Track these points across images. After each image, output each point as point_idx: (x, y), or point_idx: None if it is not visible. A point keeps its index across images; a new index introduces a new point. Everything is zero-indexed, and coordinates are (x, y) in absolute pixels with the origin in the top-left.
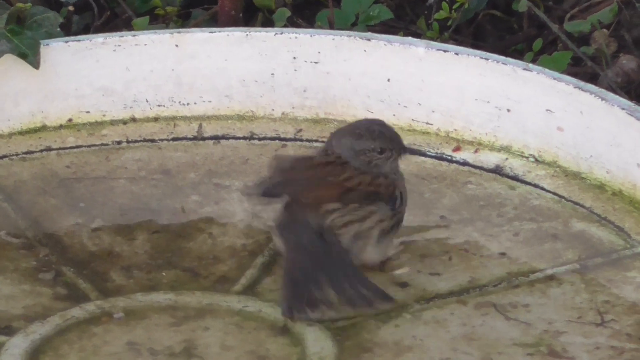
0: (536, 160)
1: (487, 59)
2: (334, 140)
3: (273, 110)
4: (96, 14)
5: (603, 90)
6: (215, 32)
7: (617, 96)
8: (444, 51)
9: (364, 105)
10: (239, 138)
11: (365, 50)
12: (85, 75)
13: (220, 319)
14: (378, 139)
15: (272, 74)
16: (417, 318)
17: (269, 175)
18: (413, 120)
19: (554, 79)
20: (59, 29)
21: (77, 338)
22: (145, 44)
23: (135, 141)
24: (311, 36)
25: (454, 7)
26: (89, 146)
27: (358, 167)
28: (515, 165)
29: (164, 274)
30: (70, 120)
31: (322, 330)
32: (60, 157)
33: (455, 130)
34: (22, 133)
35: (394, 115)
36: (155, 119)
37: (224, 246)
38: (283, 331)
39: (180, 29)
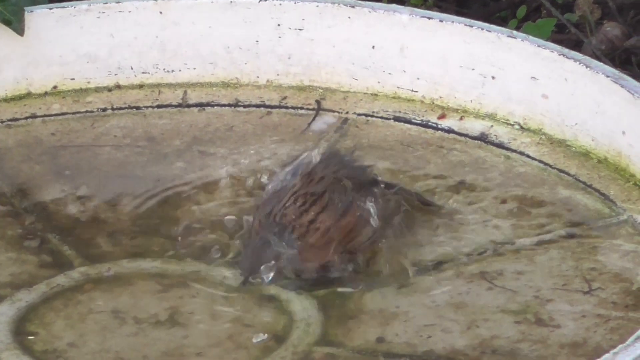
0: (521, 127)
1: (471, 26)
2: None
3: (258, 77)
4: None
5: (587, 57)
6: None
7: (601, 63)
8: (428, 18)
9: (348, 72)
10: (224, 105)
11: (349, 17)
12: (70, 42)
13: (207, 287)
14: None
15: (257, 40)
16: (402, 287)
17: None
18: (398, 87)
19: (538, 46)
20: None
21: (63, 305)
22: (130, 11)
23: (120, 108)
24: (295, 3)
25: None
26: (73, 113)
27: None
28: (501, 132)
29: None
30: (55, 87)
31: (309, 299)
32: (45, 124)
33: (440, 97)
34: (6, 100)
35: (378, 82)
36: (140, 86)
37: (210, 214)
38: (270, 299)
39: None
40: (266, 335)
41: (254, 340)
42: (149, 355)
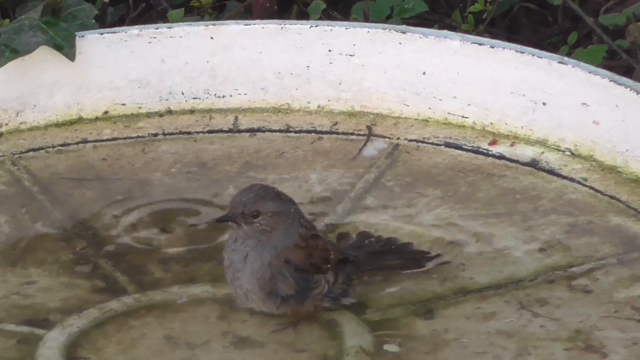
0: (572, 154)
1: (522, 52)
2: None
3: (309, 102)
4: (131, 6)
5: (638, 83)
6: (250, 24)
7: None
8: (479, 44)
9: (399, 98)
10: (275, 131)
11: (400, 43)
12: (121, 67)
13: (258, 312)
14: None
15: (308, 66)
16: (454, 312)
17: None
18: (449, 113)
19: (589, 72)
20: (94, 20)
21: (115, 331)
22: (181, 36)
23: (171, 133)
24: (346, 29)
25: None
26: (125, 138)
27: None
28: (551, 159)
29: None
30: (106, 112)
31: (360, 324)
32: (96, 150)
33: (491, 123)
34: (57, 125)
35: (429, 108)
36: (191, 112)
37: None
38: (321, 324)
39: (215, 21)
40: None
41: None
42: None
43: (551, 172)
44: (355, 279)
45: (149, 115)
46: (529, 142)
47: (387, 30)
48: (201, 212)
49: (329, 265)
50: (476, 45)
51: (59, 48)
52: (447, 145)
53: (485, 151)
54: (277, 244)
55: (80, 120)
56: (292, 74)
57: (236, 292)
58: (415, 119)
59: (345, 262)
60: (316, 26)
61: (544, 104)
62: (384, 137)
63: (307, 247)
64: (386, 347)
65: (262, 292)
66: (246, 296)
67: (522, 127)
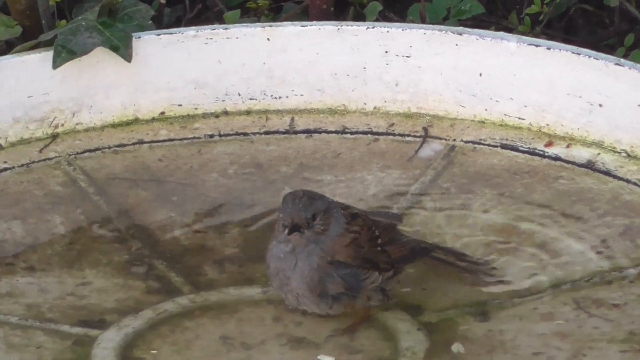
0: (628, 155)
1: (578, 54)
2: None
3: (365, 104)
4: (188, 7)
5: None
6: (306, 25)
7: None
8: (536, 46)
9: (456, 99)
10: (331, 132)
11: (457, 45)
12: (177, 68)
13: (312, 313)
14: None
15: (364, 67)
16: (509, 314)
17: None
18: (505, 115)
19: None
20: (150, 21)
21: (170, 332)
22: (237, 37)
23: (228, 135)
24: (403, 30)
25: (545, 1)
26: (181, 139)
27: None
28: (607, 160)
29: None
30: (162, 113)
31: (415, 325)
32: (152, 150)
33: (547, 125)
34: (114, 126)
35: (485, 109)
36: (247, 113)
37: None
38: (376, 325)
39: (272, 23)
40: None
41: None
42: None
43: (607, 173)
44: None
45: (205, 116)
46: (585, 143)
47: (443, 31)
48: (257, 214)
49: (385, 257)
50: (533, 46)
51: (115, 49)
52: (503, 146)
53: (542, 152)
54: (325, 244)
55: (136, 121)
56: (348, 75)
57: (287, 296)
58: (472, 121)
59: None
60: (373, 28)
61: (600, 105)
62: (440, 138)
63: (351, 237)
64: (453, 347)
65: (313, 294)
66: (297, 300)
67: (578, 128)
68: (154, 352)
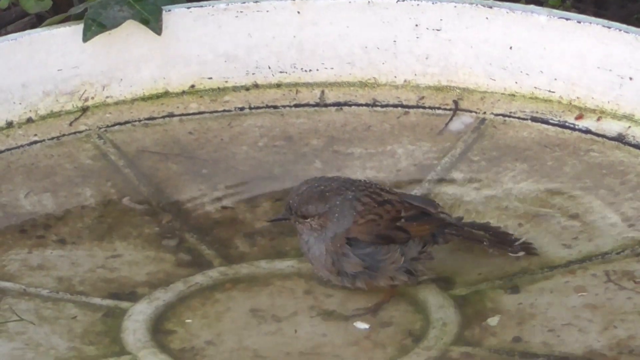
0: None
1: (609, 27)
2: None
3: (395, 77)
4: None
5: None
6: None
7: None
8: (566, 19)
9: (486, 72)
10: (361, 105)
11: (487, 18)
12: (208, 41)
13: (343, 286)
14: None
15: (394, 41)
16: (540, 286)
17: None
18: (535, 88)
19: None
20: None
21: (200, 304)
22: (268, 11)
23: (258, 107)
24: (433, 4)
25: None
26: (211, 112)
27: None
28: (638, 133)
29: None
30: (192, 86)
31: (445, 297)
32: (182, 124)
33: (578, 98)
34: (144, 99)
35: (516, 82)
36: (278, 86)
37: None
38: (406, 298)
39: None
40: (368, 325)
41: (358, 327)
42: (288, 353)
43: (638, 146)
44: (442, 243)
45: (235, 89)
46: (615, 116)
47: (474, 5)
48: (287, 187)
49: (408, 234)
50: (563, 20)
51: (145, 22)
52: (534, 119)
53: (572, 125)
54: (331, 233)
55: (166, 94)
56: (379, 48)
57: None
58: (502, 94)
59: (444, 227)
60: (403, 1)
61: (630, 78)
62: (471, 111)
63: (369, 221)
64: (490, 320)
65: (332, 274)
66: (322, 276)
67: (608, 101)
68: (189, 321)
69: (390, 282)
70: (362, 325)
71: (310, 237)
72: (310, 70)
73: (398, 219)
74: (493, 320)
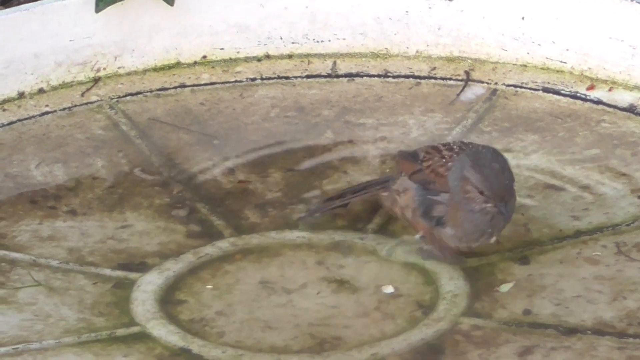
0: None
1: None
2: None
3: (407, 48)
4: None
5: None
6: None
7: None
8: None
9: (498, 43)
10: (373, 76)
11: None
12: (220, 11)
13: (355, 257)
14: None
15: (407, 11)
16: (550, 257)
17: None
18: (547, 58)
19: None
20: None
21: (211, 275)
22: None
23: (269, 78)
24: None
25: None
26: (223, 83)
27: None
28: None
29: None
30: (204, 57)
31: (456, 269)
32: (194, 94)
33: (589, 68)
34: (156, 69)
35: (527, 53)
36: (289, 56)
37: (358, 184)
38: (417, 270)
39: None
40: (394, 289)
41: (383, 291)
42: (297, 325)
43: None
44: None
45: (247, 59)
46: (627, 87)
47: None
48: (299, 157)
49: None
50: None
51: None
52: (545, 90)
53: (583, 96)
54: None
55: (178, 64)
56: (391, 19)
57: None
58: (514, 64)
59: None
60: None
61: None
62: (482, 82)
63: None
64: (502, 287)
65: (420, 217)
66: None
67: (620, 72)
68: (209, 286)
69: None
70: (388, 289)
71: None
72: (322, 41)
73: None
74: (506, 287)
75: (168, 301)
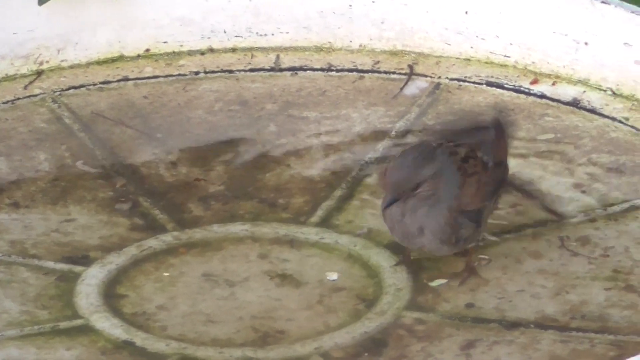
0: (614, 93)
1: None
2: None
3: (351, 41)
4: None
5: None
6: None
7: None
8: None
9: (441, 37)
10: (317, 69)
11: None
12: (163, 5)
13: (297, 250)
14: None
15: (350, 5)
16: (495, 251)
17: None
18: (491, 52)
19: (632, 12)
20: None
21: (154, 269)
22: None
23: (213, 72)
24: None
25: None
26: (166, 76)
27: None
28: (593, 98)
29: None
30: (147, 50)
31: (400, 263)
32: (137, 87)
33: (533, 63)
34: (99, 63)
35: (471, 47)
36: (233, 50)
37: (301, 178)
38: (360, 263)
39: None
40: (337, 275)
41: (327, 278)
42: (240, 318)
43: (592, 111)
44: None
45: (190, 53)
46: (570, 81)
47: None
48: (242, 151)
49: (501, 174)
50: None
51: None
52: (489, 84)
53: (527, 90)
54: (444, 200)
55: (121, 58)
56: (334, 12)
57: (410, 247)
58: (457, 58)
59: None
60: None
61: (586, 43)
62: (426, 76)
63: (474, 181)
64: (433, 283)
65: (447, 245)
66: (421, 249)
67: (564, 66)
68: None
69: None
70: (332, 276)
71: (425, 211)
72: (265, 34)
73: (486, 164)
74: (437, 282)
75: (112, 294)
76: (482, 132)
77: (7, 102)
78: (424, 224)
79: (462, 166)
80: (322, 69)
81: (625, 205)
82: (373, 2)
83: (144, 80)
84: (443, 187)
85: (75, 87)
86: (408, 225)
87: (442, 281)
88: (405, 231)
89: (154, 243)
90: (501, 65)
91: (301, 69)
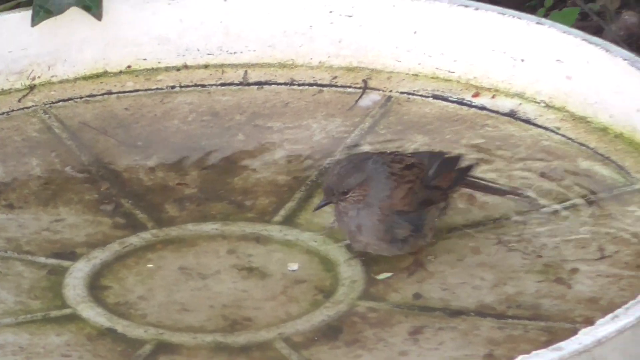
0: (547, 105)
1: (503, 14)
2: None
3: (311, 59)
4: None
5: (607, 42)
6: None
7: (620, 48)
8: (465, 6)
9: (392, 55)
10: (281, 84)
11: (394, 6)
12: (143, 25)
13: (263, 246)
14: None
15: (311, 26)
16: (439, 247)
17: None
18: (437, 68)
19: (564, 32)
20: None
21: (135, 263)
22: None
23: (187, 86)
24: None
25: None
26: (145, 90)
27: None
28: (528, 110)
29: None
30: (129, 66)
31: (354, 258)
32: (119, 100)
33: (475, 77)
34: (85, 78)
35: (419, 64)
36: (206, 66)
37: (266, 181)
38: (319, 258)
39: None
40: (297, 265)
41: (289, 269)
42: (212, 307)
43: (528, 121)
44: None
45: (167, 69)
46: (508, 94)
47: None
48: (213, 157)
49: (445, 190)
50: (462, 7)
51: (87, 9)
52: (435, 97)
53: (469, 102)
54: (375, 202)
55: (105, 73)
56: (297, 32)
57: (356, 246)
58: (407, 74)
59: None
60: None
61: (522, 60)
62: (378, 89)
63: (406, 187)
64: (380, 276)
65: (384, 243)
66: (365, 247)
67: (502, 81)
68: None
69: (430, 235)
70: (293, 266)
71: (358, 212)
72: (235, 52)
73: (429, 179)
74: (383, 276)
75: (96, 286)
76: (446, 161)
77: (3, 113)
78: (360, 222)
79: (403, 173)
80: (285, 84)
81: (556, 207)
82: (331, 23)
83: (126, 94)
84: (372, 193)
85: (64, 100)
86: (348, 224)
87: (388, 274)
88: (348, 230)
89: (134, 240)
90: (446, 80)
91: (267, 83)
